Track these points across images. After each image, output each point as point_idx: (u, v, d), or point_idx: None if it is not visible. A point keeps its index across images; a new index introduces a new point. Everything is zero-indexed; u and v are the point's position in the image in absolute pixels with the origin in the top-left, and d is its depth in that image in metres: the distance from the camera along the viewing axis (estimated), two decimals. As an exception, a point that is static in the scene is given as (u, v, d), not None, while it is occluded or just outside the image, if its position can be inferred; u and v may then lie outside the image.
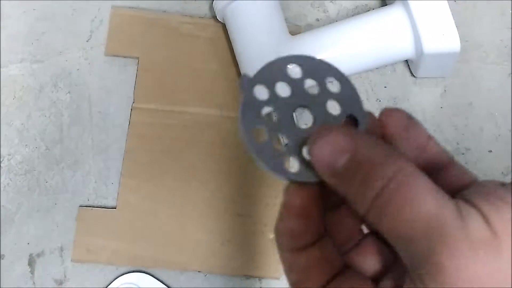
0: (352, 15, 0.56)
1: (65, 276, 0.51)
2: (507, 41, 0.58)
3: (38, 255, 0.51)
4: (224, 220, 0.52)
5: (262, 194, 0.52)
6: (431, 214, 0.18)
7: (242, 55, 0.53)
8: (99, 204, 0.52)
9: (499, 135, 0.55)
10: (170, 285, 0.51)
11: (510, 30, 0.58)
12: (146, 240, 0.51)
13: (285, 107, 0.23)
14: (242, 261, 0.51)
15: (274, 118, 0.22)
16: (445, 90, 0.56)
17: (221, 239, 0.51)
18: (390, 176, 0.19)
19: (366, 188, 0.19)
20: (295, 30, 0.55)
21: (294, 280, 0.23)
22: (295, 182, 0.22)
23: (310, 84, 0.24)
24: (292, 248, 0.22)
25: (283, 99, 0.23)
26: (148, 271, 0.51)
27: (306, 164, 0.22)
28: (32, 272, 0.51)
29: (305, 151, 0.22)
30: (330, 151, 0.20)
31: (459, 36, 0.50)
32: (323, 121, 0.23)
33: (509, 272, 0.17)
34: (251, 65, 0.52)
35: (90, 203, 0.52)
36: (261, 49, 0.51)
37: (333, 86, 0.24)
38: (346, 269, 0.23)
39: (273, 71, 0.23)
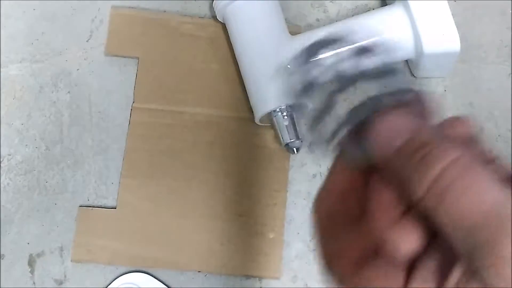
0: (352, 15, 0.56)
1: (65, 276, 0.51)
2: (507, 41, 0.58)
3: (38, 255, 0.51)
4: (224, 220, 0.52)
5: (262, 194, 0.52)
6: (499, 202, 0.17)
7: (242, 55, 0.53)
8: (99, 204, 0.52)
9: (499, 135, 0.55)
10: (170, 285, 0.51)
11: (510, 30, 0.58)
12: (146, 240, 0.51)
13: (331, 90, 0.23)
14: (242, 261, 0.51)
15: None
16: (445, 90, 0.56)
17: (221, 239, 0.51)
18: (453, 158, 0.18)
19: (425, 168, 0.18)
20: (295, 30, 0.55)
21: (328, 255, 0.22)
22: (342, 162, 0.22)
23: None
24: (328, 227, 0.22)
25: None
26: (148, 271, 0.51)
27: (356, 144, 0.22)
28: (32, 272, 0.51)
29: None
30: (391, 130, 0.20)
31: (459, 36, 0.50)
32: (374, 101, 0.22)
33: None
34: (251, 65, 0.52)
35: (90, 203, 0.52)
36: (261, 49, 0.51)
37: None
38: (378, 255, 0.21)
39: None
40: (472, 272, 0.18)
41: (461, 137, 0.21)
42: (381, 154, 0.20)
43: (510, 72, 0.57)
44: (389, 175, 0.20)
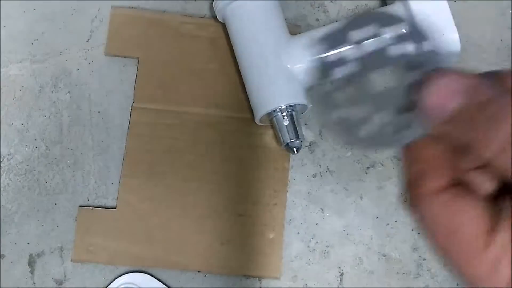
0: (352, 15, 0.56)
1: (65, 276, 0.51)
2: (507, 41, 0.58)
3: (38, 255, 0.51)
4: (224, 220, 0.52)
5: (262, 194, 0.52)
6: None
7: (242, 55, 0.53)
8: (99, 204, 0.52)
9: (499, 135, 0.55)
10: (170, 285, 0.51)
11: (510, 30, 0.58)
12: (146, 240, 0.51)
13: (362, 68, 0.22)
14: (242, 261, 0.51)
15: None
16: (445, 90, 0.56)
17: (221, 239, 0.51)
18: None
19: (494, 128, 0.17)
20: (295, 30, 0.55)
21: (415, 171, 0.21)
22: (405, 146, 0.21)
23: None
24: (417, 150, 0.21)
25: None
26: (148, 271, 0.51)
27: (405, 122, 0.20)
28: (32, 272, 0.51)
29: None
30: (446, 93, 0.19)
31: (459, 36, 0.50)
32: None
33: None
34: (251, 65, 0.52)
35: (90, 203, 0.52)
36: (261, 49, 0.51)
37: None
38: (465, 185, 0.21)
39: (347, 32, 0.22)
40: None
41: None
42: (438, 120, 0.19)
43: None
44: (447, 139, 0.19)
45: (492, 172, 0.20)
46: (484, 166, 0.20)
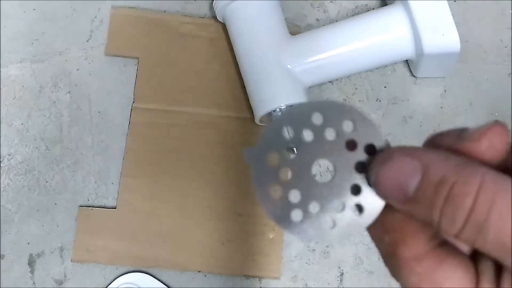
0: (352, 15, 0.56)
1: (65, 276, 0.51)
2: (507, 41, 0.58)
3: (38, 255, 0.51)
4: (224, 220, 0.52)
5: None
6: None
7: (242, 55, 0.53)
8: (99, 204, 0.52)
9: (499, 135, 0.55)
10: (170, 285, 0.51)
11: (510, 30, 0.58)
12: (146, 240, 0.51)
13: (301, 163, 0.22)
14: (242, 261, 0.51)
15: (290, 176, 0.21)
16: (445, 90, 0.56)
17: (221, 239, 0.51)
18: (477, 187, 0.17)
19: (454, 208, 0.17)
20: (295, 30, 0.55)
21: (390, 241, 0.20)
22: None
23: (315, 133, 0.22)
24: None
25: (299, 154, 0.22)
26: (148, 271, 0.51)
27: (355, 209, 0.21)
28: (32, 272, 0.51)
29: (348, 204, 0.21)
30: (398, 176, 0.19)
31: (459, 36, 0.50)
32: (344, 166, 0.21)
33: None
34: (251, 65, 0.52)
35: (90, 203, 0.52)
36: (261, 49, 0.51)
37: (348, 126, 0.22)
38: (444, 244, 0.20)
39: (272, 140, 0.22)
40: None
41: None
42: (396, 203, 0.19)
43: (510, 72, 0.57)
44: (411, 216, 0.19)
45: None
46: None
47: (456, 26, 0.50)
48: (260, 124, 0.53)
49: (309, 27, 0.58)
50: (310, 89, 0.54)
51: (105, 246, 0.50)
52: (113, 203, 0.52)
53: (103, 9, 0.57)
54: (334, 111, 0.21)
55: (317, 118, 0.21)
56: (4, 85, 0.55)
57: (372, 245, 0.52)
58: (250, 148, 0.21)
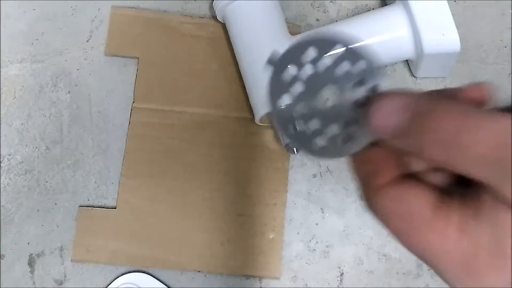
0: (352, 15, 0.56)
1: (65, 276, 0.51)
2: (507, 41, 0.58)
3: (38, 255, 0.51)
4: (224, 220, 0.52)
5: (262, 194, 0.52)
6: (504, 131, 0.18)
7: (242, 55, 0.53)
8: (99, 204, 0.52)
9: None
10: (170, 285, 0.51)
11: (510, 30, 0.58)
12: (146, 240, 0.51)
13: (313, 84, 0.24)
14: (242, 261, 0.51)
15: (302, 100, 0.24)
16: (445, 90, 0.56)
17: (221, 239, 0.51)
18: (461, 118, 0.19)
19: (439, 136, 0.19)
20: (295, 30, 0.55)
21: (366, 171, 0.23)
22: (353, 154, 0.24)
23: (328, 62, 0.24)
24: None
25: (308, 80, 0.24)
26: (148, 271, 0.51)
27: (348, 136, 0.23)
28: (32, 272, 0.51)
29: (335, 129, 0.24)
30: (392, 111, 0.21)
31: (459, 36, 0.50)
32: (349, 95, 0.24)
33: None
34: (251, 65, 0.52)
35: (90, 203, 0.52)
36: (261, 49, 0.51)
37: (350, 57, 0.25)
38: (412, 176, 0.23)
39: (295, 55, 0.24)
40: (501, 198, 0.19)
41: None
42: (388, 137, 0.21)
43: (510, 72, 0.57)
44: (395, 149, 0.22)
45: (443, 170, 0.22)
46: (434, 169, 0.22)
47: (456, 26, 0.50)
48: (260, 124, 0.53)
49: (309, 27, 0.58)
50: (310, 89, 0.54)
51: (105, 246, 0.50)
52: (113, 203, 0.52)
53: (103, 9, 0.57)
54: (355, 51, 0.24)
55: (338, 49, 0.24)
56: (4, 85, 0.55)
57: (372, 245, 0.52)
58: (276, 54, 0.24)
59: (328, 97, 0.24)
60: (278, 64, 0.24)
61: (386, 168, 0.23)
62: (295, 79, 0.24)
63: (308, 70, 0.24)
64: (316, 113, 0.24)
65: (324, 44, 0.24)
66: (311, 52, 0.24)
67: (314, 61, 0.24)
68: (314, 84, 0.24)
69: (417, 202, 0.21)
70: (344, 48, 0.24)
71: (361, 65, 0.24)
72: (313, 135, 0.24)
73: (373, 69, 0.24)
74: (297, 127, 0.24)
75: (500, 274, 0.19)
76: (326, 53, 0.24)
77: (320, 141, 0.24)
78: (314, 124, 0.24)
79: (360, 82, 0.24)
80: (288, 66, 0.24)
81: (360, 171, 0.24)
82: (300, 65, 0.24)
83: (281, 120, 0.24)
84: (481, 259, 0.19)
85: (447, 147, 0.19)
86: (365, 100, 0.23)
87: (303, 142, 0.24)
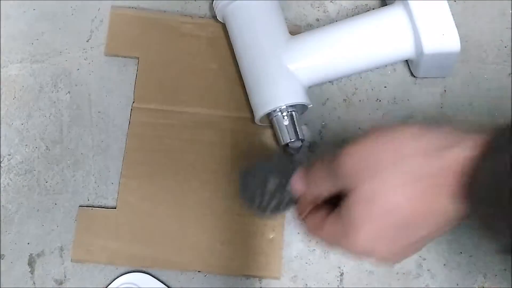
0: (352, 15, 0.56)
1: (65, 276, 0.51)
2: (507, 41, 0.58)
3: (38, 255, 0.51)
4: (224, 220, 0.52)
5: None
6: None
7: (242, 55, 0.53)
8: (99, 204, 0.52)
9: (499, 135, 0.55)
10: (170, 285, 0.51)
11: (510, 30, 0.58)
12: (146, 240, 0.51)
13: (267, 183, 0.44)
14: (242, 261, 0.51)
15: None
16: (445, 90, 0.56)
17: (221, 239, 0.51)
18: (322, 166, 0.39)
19: (316, 187, 0.40)
20: (295, 30, 0.55)
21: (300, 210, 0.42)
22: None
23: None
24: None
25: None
26: (148, 271, 0.51)
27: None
28: (32, 272, 0.51)
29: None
30: (299, 183, 0.42)
31: (459, 36, 0.50)
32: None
33: None
34: (251, 65, 0.52)
35: (90, 203, 0.52)
36: (261, 49, 0.51)
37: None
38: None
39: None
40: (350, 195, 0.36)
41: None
42: (297, 193, 0.42)
43: (510, 72, 0.57)
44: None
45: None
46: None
47: (456, 26, 0.50)
48: (260, 124, 0.53)
49: (309, 27, 0.58)
50: (310, 89, 0.54)
51: (105, 246, 0.50)
52: (113, 203, 0.52)
53: (103, 9, 0.57)
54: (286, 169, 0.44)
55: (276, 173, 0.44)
56: (4, 85, 0.55)
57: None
58: (246, 170, 0.45)
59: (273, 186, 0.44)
60: (245, 177, 0.45)
61: (309, 206, 0.41)
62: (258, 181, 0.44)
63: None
64: (267, 193, 0.44)
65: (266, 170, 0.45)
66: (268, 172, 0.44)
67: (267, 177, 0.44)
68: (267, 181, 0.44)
69: (320, 215, 0.39)
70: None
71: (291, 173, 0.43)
72: (267, 205, 0.44)
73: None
74: (258, 201, 0.44)
75: (357, 232, 0.35)
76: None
77: (269, 209, 0.44)
78: (268, 199, 0.44)
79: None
80: (254, 176, 0.44)
81: (298, 208, 0.43)
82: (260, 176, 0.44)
83: (248, 198, 0.44)
84: (346, 227, 0.36)
85: (327, 182, 0.38)
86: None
87: (261, 210, 0.44)
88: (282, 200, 0.43)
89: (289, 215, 0.53)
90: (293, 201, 0.43)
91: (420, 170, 0.33)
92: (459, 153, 0.32)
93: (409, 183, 0.33)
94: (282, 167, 0.44)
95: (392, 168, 0.34)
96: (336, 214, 0.37)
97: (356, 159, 0.36)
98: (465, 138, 0.33)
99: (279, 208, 0.43)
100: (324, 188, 0.39)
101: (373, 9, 0.58)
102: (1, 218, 0.52)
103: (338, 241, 0.37)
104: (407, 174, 0.34)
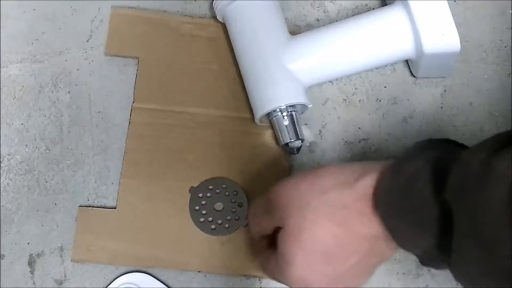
0: (352, 15, 0.56)
1: (65, 276, 0.51)
2: (507, 41, 0.58)
3: (38, 255, 0.51)
4: (224, 220, 0.52)
5: (262, 194, 0.52)
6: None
7: (242, 55, 0.53)
8: (99, 204, 0.52)
9: (499, 135, 0.55)
10: (170, 285, 0.51)
11: (510, 30, 0.58)
12: (146, 240, 0.51)
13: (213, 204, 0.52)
14: (242, 261, 0.51)
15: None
16: (445, 90, 0.56)
17: (221, 239, 0.51)
18: (258, 205, 0.44)
19: (257, 225, 0.43)
20: (295, 30, 0.55)
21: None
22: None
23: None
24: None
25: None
26: (148, 271, 0.51)
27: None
28: (32, 272, 0.51)
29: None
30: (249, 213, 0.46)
31: (459, 36, 0.50)
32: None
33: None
34: (251, 65, 0.52)
35: (90, 203, 0.52)
36: (261, 49, 0.51)
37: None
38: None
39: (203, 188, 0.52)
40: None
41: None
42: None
43: (510, 72, 0.57)
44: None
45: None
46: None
47: (456, 26, 0.50)
48: (260, 124, 0.53)
49: (309, 27, 0.58)
50: (310, 89, 0.54)
51: (105, 246, 0.50)
52: (113, 203, 0.52)
53: (103, 9, 0.57)
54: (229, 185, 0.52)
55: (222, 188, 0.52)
56: (4, 85, 0.55)
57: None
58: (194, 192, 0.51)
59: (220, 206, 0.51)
60: (194, 192, 0.51)
61: (259, 243, 0.44)
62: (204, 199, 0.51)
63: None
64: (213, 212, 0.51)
65: (217, 183, 0.52)
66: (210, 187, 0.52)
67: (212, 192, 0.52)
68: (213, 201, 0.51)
69: (267, 253, 0.42)
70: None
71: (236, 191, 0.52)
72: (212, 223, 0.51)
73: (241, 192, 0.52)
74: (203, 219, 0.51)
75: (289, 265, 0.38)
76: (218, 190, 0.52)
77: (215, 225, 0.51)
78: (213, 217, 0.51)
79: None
80: (200, 194, 0.51)
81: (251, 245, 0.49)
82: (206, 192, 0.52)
83: (195, 217, 0.51)
84: (281, 262, 0.39)
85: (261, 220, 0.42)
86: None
87: (208, 228, 0.51)
88: (225, 221, 0.50)
89: (289, 215, 0.53)
90: (241, 223, 0.50)
91: (337, 202, 0.37)
92: (368, 181, 0.36)
93: (329, 214, 0.37)
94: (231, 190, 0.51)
95: (314, 202, 0.37)
96: (275, 251, 0.39)
97: (284, 197, 0.39)
98: (374, 167, 0.37)
99: (222, 228, 0.50)
100: (265, 225, 0.41)
101: (373, 9, 0.58)
102: (1, 218, 0.52)
103: (279, 277, 0.40)
104: (327, 207, 0.37)
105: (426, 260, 0.36)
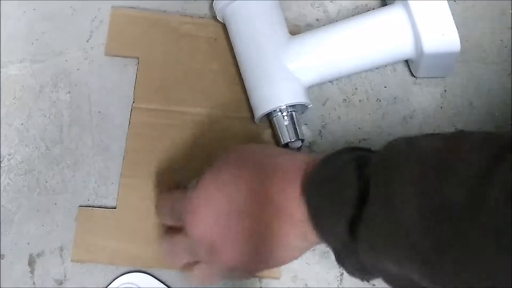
0: (352, 15, 0.56)
1: (65, 276, 0.51)
2: (507, 41, 0.58)
3: (38, 255, 0.51)
4: (224, 220, 0.51)
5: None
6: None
7: (242, 55, 0.53)
8: (99, 204, 0.52)
9: (499, 135, 0.55)
10: (170, 285, 0.51)
11: (510, 30, 0.58)
12: (146, 240, 0.51)
13: None
14: (242, 261, 0.51)
15: None
16: (445, 90, 0.56)
17: (221, 239, 0.51)
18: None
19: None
20: (295, 30, 0.55)
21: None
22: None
23: None
24: None
25: None
26: (148, 271, 0.51)
27: None
28: (32, 272, 0.51)
29: None
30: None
31: (459, 36, 0.50)
32: None
33: None
34: (251, 65, 0.52)
35: (90, 203, 0.52)
36: (261, 49, 0.51)
37: None
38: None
39: None
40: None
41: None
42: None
43: (510, 72, 0.57)
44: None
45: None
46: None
47: (456, 26, 0.50)
48: (260, 124, 0.53)
49: (309, 27, 0.58)
50: (310, 89, 0.54)
51: (105, 246, 0.50)
52: (113, 203, 0.52)
53: (103, 9, 0.57)
54: None
55: None
56: (4, 85, 0.55)
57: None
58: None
59: None
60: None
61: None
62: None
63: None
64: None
65: None
66: None
67: None
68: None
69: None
70: None
71: None
72: None
73: None
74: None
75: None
76: None
77: None
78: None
79: None
80: None
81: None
82: None
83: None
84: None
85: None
86: None
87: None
88: None
89: (289, 215, 0.53)
90: None
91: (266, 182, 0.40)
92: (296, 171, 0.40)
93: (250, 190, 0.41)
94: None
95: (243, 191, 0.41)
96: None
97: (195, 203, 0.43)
98: (303, 158, 0.41)
99: None
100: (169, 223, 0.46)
101: (373, 9, 0.58)
102: (1, 218, 0.52)
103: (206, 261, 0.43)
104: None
105: (341, 255, 0.38)
